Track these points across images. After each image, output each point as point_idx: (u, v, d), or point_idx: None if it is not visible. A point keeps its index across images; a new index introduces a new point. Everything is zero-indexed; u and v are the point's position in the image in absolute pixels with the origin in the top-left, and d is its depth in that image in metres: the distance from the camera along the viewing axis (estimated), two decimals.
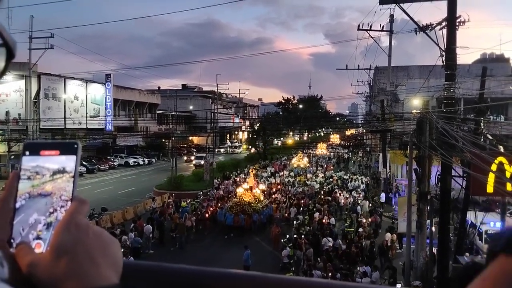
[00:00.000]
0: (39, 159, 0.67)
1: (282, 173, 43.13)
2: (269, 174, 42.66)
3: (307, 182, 36.50)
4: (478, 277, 0.56)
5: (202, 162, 45.33)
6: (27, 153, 0.67)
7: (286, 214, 25.84)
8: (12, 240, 0.62)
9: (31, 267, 0.58)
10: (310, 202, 27.79)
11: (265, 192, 30.04)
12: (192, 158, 55.92)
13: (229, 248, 20.82)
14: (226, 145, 74.36)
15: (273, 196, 29.91)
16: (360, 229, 21.12)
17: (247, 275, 0.74)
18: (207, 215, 24.88)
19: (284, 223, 24.45)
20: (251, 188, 26.82)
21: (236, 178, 37.91)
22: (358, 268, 16.21)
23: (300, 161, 48.69)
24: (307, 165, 48.22)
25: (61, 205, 0.64)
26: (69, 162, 0.66)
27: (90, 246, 0.60)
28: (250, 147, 68.94)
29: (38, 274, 0.58)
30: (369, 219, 23.61)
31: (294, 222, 23.83)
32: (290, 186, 34.92)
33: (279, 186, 34.21)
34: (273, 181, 37.55)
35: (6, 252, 0.60)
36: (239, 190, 26.85)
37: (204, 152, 52.82)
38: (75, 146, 0.68)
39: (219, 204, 26.67)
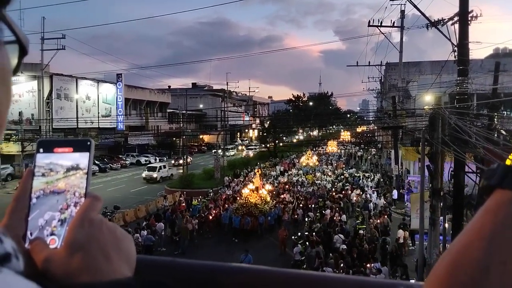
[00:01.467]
0: (52, 156, 0.68)
1: (290, 172, 42.24)
2: (278, 173, 42.05)
3: (316, 181, 35.45)
4: (478, 211, 0.59)
5: (155, 175, 39.48)
6: (41, 150, 0.68)
7: (295, 216, 24.64)
8: (27, 236, 0.62)
9: (46, 263, 0.59)
10: (321, 200, 27.60)
11: (273, 192, 29.07)
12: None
13: (234, 252, 19.43)
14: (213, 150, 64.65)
15: (281, 196, 28.80)
16: (361, 231, 20.30)
17: (257, 270, 0.74)
18: (210, 217, 23.99)
19: (292, 225, 23.43)
20: (257, 189, 25.57)
21: (246, 177, 37.81)
22: (371, 265, 16.07)
23: (309, 159, 47.41)
24: (317, 163, 46.83)
25: (75, 202, 0.65)
26: (82, 159, 0.67)
27: (104, 241, 0.61)
28: (245, 150, 63.91)
29: (52, 269, 0.58)
30: (377, 220, 22.19)
31: (306, 219, 23.44)
32: (299, 186, 33.85)
33: (286, 186, 33.13)
34: (282, 180, 36.72)
35: (22, 248, 0.61)
36: (245, 191, 25.64)
37: (162, 161, 47.95)
38: (88, 143, 0.68)
39: (225, 206, 25.67)
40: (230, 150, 64.14)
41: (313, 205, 26.51)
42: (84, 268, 0.58)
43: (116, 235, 0.64)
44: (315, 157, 49.01)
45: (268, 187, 28.14)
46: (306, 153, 50.27)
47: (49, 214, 0.64)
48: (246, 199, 24.48)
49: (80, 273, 0.58)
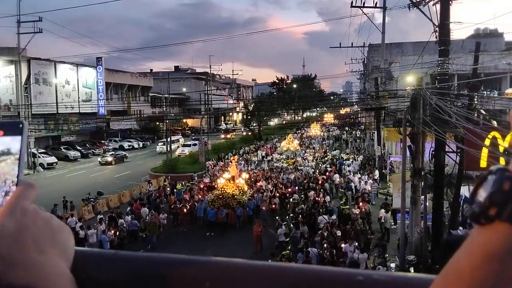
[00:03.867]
0: None
1: (270, 157, 40.31)
2: (260, 158, 40.32)
3: (298, 167, 33.49)
4: (470, 244, 0.45)
5: None
6: None
7: (273, 206, 22.93)
8: None
9: None
10: (305, 181, 27.67)
11: (251, 179, 27.51)
12: None
13: (208, 247, 18.00)
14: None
15: (258, 184, 26.62)
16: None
17: (201, 261, 0.71)
18: (185, 210, 22.04)
19: (270, 215, 22.08)
20: (233, 178, 23.44)
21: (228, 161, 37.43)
22: (345, 245, 16.09)
23: (290, 143, 44.62)
24: (298, 148, 44.38)
25: (6, 191, 0.60)
26: (14, 143, 0.62)
27: (37, 232, 0.57)
28: (180, 147, 47.91)
29: None
30: (357, 211, 20.36)
31: (292, 202, 22.75)
32: (280, 173, 31.37)
33: (268, 173, 30.75)
34: (264, 166, 34.94)
35: None
36: (220, 181, 23.49)
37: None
38: (21, 125, 0.63)
39: (199, 197, 23.82)
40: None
41: (296, 188, 26.06)
42: (13, 262, 0.53)
43: (51, 226, 0.60)
44: (296, 141, 46.93)
45: (245, 175, 25.95)
46: (287, 137, 48.10)
47: None
48: (223, 189, 22.53)
49: (8, 267, 0.53)
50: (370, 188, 25.62)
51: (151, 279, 0.68)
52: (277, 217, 20.35)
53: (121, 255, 0.72)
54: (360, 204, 21.00)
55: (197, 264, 0.69)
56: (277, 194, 24.49)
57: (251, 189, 24.63)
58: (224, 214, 21.12)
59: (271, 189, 25.60)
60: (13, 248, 0.54)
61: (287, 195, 24.56)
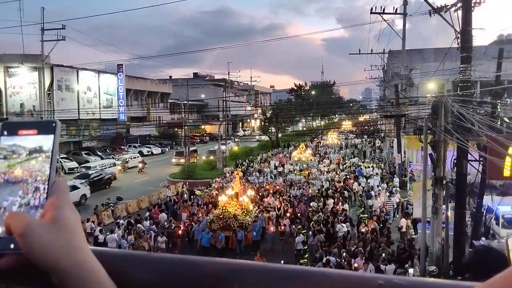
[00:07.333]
0: (16, 139, 0.66)
1: (281, 169, 36.95)
2: (272, 168, 37.14)
3: (310, 181, 29.81)
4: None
5: None
6: (5, 133, 0.66)
7: (281, 227, 19.97)
8: None
9: (26, 236, 0.57)
10: (324, 189, 27.25)
11: (259, 195, 24.71)
12: None
13: None
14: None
15: (264, 200, 23.87)
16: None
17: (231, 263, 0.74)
18: (179, 231, 19.50)
19: (279, 238, 19.69)
20: (237, 195, 20.60)
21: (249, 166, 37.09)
22: (356, 264, 15.65)
23: (301, 153, 40.80)
24: (310, 158, 40.52)
25: (36, 186, 0.63)
26: (46, 141, 0.65)
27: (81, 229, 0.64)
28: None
29: (32, 243, 0.57)
30: (363, 229, 19.01)
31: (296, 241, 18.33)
32: (289, 187, 27.84)
33: (277, 187, 27.52)
34: (277, 178, 32.18)
35: None
36: (222, 199, 20.50)
37: None
38: (53, 125, 0.67)
39: (199, 215, 21.24)
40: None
41: (297, 217, 21.67)
42: (72, 247, 0.59)
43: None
44: (308, 151, 42.99)
45: (251, 192, 22.84)
46: (299, 147, 43.90)
47: (9, 199, 0.63)
48: (224, 208, 19.68)
49: (68, 251, 0.58)
50: (383, 205, 23.09)
51: (182, 280, 0.71)
52: (293, 226, 20.09)
53: (153, 257, 0.76)
54: (371, 222, 19.58)
55: (226, 266, 0.72)
56: (288, 214, 21.43)
57: (258, 207, 21.83)
58: (222, 239, 18.39)
59: (278, 206, 22.48)
60: (72, 238, 0.60)
61: (298, 214, 21.74)
